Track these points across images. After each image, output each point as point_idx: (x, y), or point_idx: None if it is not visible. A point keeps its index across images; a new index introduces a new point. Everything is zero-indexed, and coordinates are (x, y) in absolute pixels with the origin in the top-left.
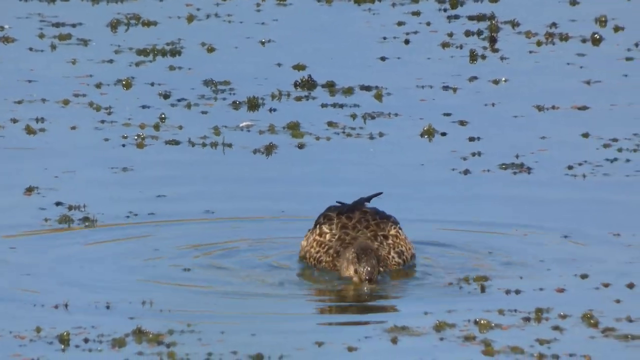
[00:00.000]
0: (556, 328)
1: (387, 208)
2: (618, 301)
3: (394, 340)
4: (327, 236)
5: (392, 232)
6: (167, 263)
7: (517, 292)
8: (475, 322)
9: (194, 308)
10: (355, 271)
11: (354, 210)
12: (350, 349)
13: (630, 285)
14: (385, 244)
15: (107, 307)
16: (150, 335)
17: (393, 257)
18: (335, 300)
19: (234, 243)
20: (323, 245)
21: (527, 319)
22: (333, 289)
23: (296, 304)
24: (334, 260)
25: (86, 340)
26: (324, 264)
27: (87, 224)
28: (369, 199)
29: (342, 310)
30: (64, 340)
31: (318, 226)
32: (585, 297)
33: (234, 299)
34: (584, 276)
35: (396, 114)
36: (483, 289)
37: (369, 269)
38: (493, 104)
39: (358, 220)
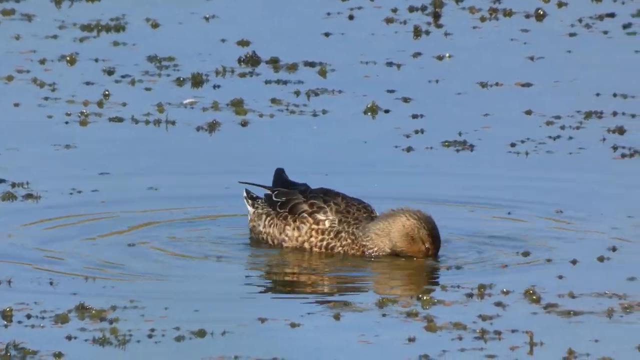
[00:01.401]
0: (499, 304)
1: (331, 185)
2: (560, 277)
3: (337, 317)
4: (327, 223)
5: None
6: (110, 240)
7: (459, 267)
8: (418, 298)
9: (137, 284)
10: (426, 248)
11: (306, 190)
12: (292, 325)
13: (573, 262)
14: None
15: (50, 284)
16: (93, 312)
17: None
18: (278, 277)
19: (178, 220)
20: (327, 232)
21: (469, 295)
22: (276, 264)
23: (238, 280)
24: (357, 240)
25: (29, 317)
26: (340, 248)
27: (30, 200)
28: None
29: (284, 287)
30: (6, 316)
31: (312, 215)
32: (527, 273)
33: (177, 276)
34: (526, 253)
35: (340, 91)
36: (425, 265)
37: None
38: (437, 81)
39: (346, 203)
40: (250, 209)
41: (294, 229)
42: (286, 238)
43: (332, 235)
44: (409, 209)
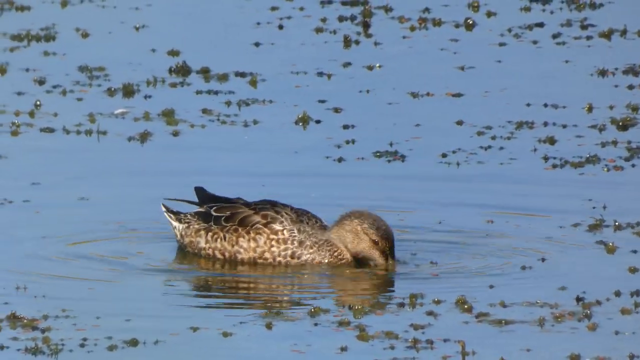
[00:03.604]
0: (430, 313)
1: (262, 195)
2: (491, 286)
3: (269, 326)
4: (286, 233)
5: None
6: (41, 249)
7: (390, 277)
8: (350, 308)
9: (69, 294)
10: (374, 241)
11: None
12: (225, 335)
13: (504, 271)
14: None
15: None
16: (25, 321)
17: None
18: (211, 285)
19: (109, 230)
20: (290, 241)
21: (401, 305)
22: (206, 274)
23: (171, 289)
24: (323, 248)
25: None
26: (308, 256)
27: None
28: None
29: (217, 296)
30: None
31: (268, 225)
32: (459, 282)
33: (109, 285)
34: (457, 262)
35: (271, 101)
36: (355, 275)
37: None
38: (367, 91)
39: (296, 213)
40: (178, 224)
41: (249, 240)
42: (241, 250)
43: (295, 244)
44: (353, 211)
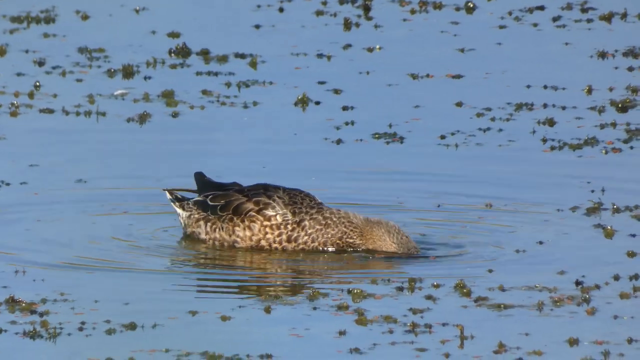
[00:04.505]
0: (429, 297)
1: (261, 178)
2: (490, 270)
3: (267, 310)
4: (279, 217)
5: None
6: (39, 232)
7: (389, 260)
8: (349, 292)
9: (68, 277)
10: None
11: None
12: (223, 318)
13: (503, 255)
14: (334, 218)
15: None
16: (24, 304)
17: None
18: (210, 269)
19: (107, 212)
20: (283, 226)
21: (400, 289)
22: (206, 258)
23: (169, 273)
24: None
25: None
26: (306, 237)
27: None
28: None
29: (216, 279)
30: None
31: (260, 212)
32: (458, 266)
33: (107, 269)
34: (457, 245)
35: (271, 82)
36: (352, 258)
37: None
38: (367, 72)
39: (289, 195)
40: (182, 212)
41: (244, 229)
42: (238, 239)
43: (289, 228)
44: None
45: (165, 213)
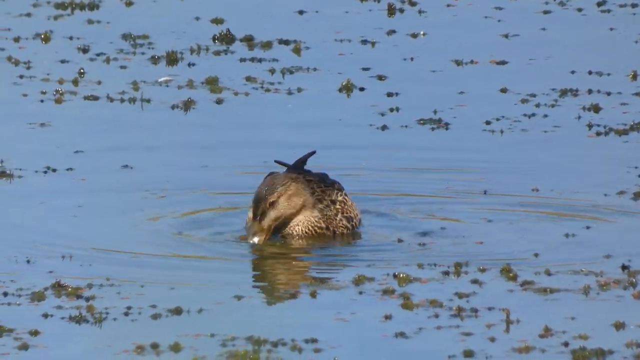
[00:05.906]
0: (475, 282)
1: (311, 164)
2: (536, 255)
3: (313, 294)
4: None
5: (340, 198)
6: (87, 218)
7: (436, 245)
8: (395, 276)
9: (114, 262)
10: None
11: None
12: (269, 303)
13: (549, 238)
14: (333, 207)
15: (27, 262)
16: (70, 289)
17: (341, 220)
18: (256, 254)
19: (153, 199)
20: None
21: (446, 273)
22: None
23: (215, 259)
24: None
25: (5, 294)
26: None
27: (4, 179)
28: (304, 159)
29: (263, 265)
30: None
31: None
32: (504, 250)
33: (153, 254)
34: (503, 230)
35: (315, 69)
36: (399, 241)
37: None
38: (412, 59)
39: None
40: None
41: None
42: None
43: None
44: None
45: (207, 199)
